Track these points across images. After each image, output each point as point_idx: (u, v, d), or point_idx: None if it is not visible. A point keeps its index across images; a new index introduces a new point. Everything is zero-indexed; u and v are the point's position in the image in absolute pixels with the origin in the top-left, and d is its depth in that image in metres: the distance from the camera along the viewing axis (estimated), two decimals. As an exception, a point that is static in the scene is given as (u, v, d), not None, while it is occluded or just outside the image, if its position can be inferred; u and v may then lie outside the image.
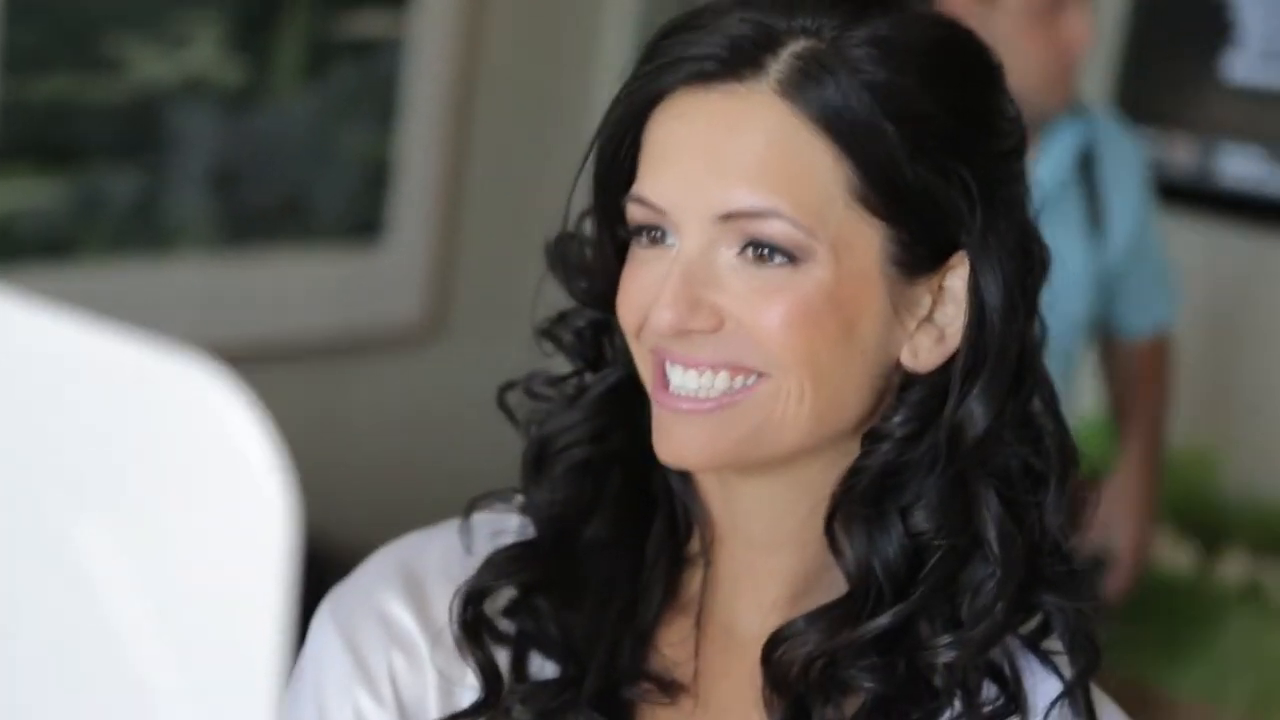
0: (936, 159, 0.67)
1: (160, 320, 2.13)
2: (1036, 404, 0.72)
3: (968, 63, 0.72)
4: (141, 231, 2.17)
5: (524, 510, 0.75)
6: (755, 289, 0.67)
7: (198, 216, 2.23)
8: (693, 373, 0.68)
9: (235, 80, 2.22)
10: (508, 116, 2.52)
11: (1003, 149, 0.71)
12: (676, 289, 0.67)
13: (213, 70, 2.19)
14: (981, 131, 0.70)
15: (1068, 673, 0.72)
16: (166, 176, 2.18)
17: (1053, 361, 1.85)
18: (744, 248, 0.67)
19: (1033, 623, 0.73)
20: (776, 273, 0.67)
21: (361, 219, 2.41)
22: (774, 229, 0.67)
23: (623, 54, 2.66)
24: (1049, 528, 0.71)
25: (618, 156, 0.71)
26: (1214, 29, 2.50)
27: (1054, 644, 0.73)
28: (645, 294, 0.68)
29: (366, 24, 2.37)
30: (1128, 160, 1.91)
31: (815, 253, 0.67)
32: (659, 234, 0.69)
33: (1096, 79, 2.44)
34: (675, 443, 0.69)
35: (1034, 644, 0.74)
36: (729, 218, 0.67)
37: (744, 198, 0.67)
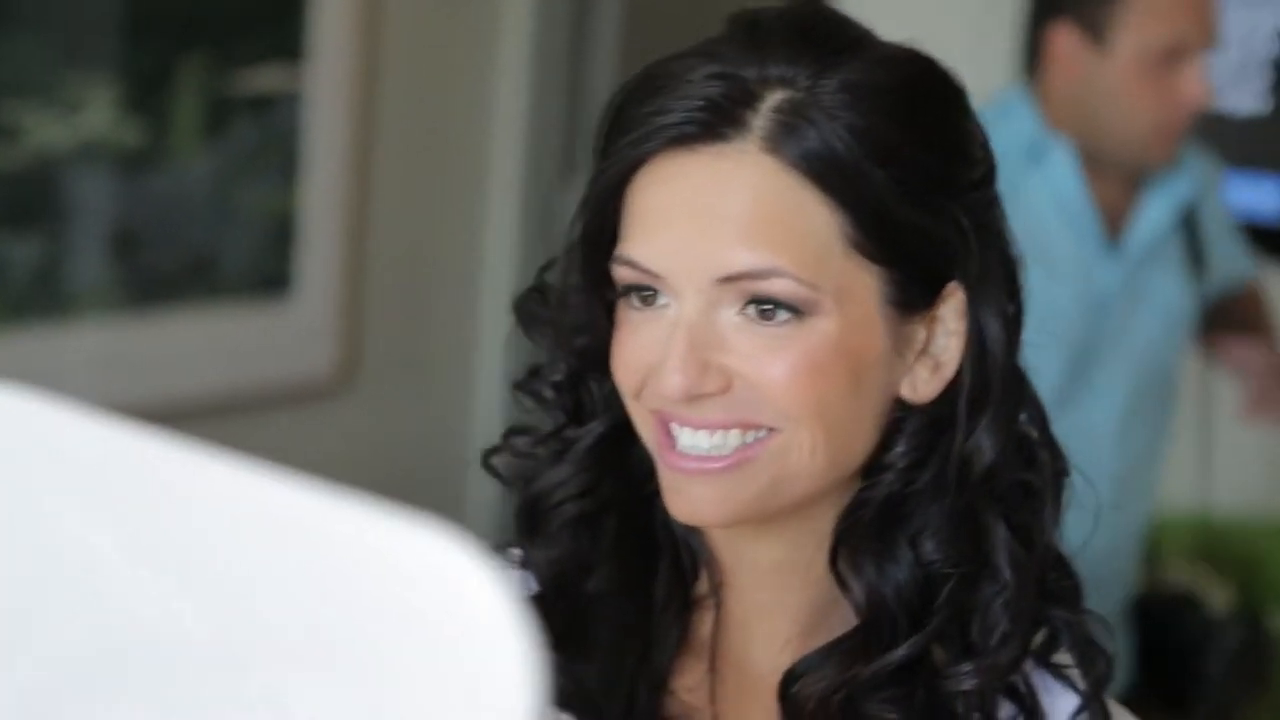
0: (923, 196, 0.68)
1: (65, 385, 2.12)
2: (1023, 419, 0.73)
3: (938, 94, 0.72)
4: (42, 298, 2.16)
5: (524, 566, 0.74)
6: (762, 346, 0.67)
7: (100, 280, 2.22)
8: (703, 433, 0.68)
9: (133, 141, 2.21)
10: (409, 167, 2.54)
11: (978, 176, 0.71)
12: (683, 354, 0.66)
13: (109, 133, 2.19)
14: (960, 162, 0.71)
15: (1082, 685, 0.72)
16: (66, 242, 2.17)
17: (1153, 396, 1.78)
18: (745, 305, 0.67)
19: (1039, 637, 0.73)
20: (782, 329, 0.67)
21: (267, 275, 2.40)
22: (777, 287, 0.66)
23: (518, 102, 2.71)
24: (1051, 542, 0.72)
25: (603, 222, 0.70)
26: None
27: (1063, 658, 0.73)
28: (644, 355, 0.68)
29: (263, 80, 2.37)
30: (1223, 200, 1.87)
31: (819, 305, 0.66)
32: (650, 294, 0.68)
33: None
34: (691, 502, 0.69)
35: (1045, 659, 0.73)
36: (730, 280, 0.67)
37: (744, 258, 0.66)
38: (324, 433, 2.42)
